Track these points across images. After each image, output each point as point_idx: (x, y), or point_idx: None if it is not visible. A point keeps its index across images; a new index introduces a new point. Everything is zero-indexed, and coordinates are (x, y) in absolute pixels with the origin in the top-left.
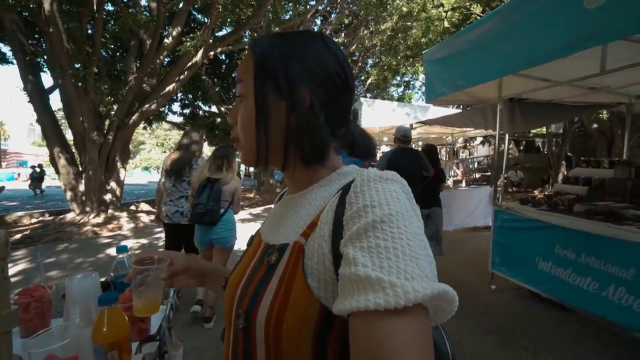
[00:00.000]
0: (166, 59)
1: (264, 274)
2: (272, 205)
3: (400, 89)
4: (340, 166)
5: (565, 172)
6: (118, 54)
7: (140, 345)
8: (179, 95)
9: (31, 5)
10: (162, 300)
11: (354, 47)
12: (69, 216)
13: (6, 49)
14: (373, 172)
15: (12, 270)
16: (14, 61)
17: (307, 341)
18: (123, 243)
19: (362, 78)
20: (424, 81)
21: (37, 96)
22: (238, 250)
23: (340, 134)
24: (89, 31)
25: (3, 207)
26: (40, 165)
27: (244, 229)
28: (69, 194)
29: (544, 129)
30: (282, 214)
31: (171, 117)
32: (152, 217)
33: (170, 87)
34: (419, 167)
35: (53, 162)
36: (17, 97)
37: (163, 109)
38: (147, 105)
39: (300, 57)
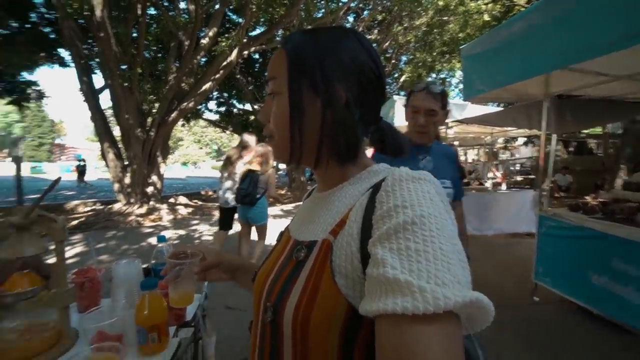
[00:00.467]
0: (203, 59)
1: (292, 270)
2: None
3: None
4: (371, 164)
5: (627, 177)
6: (159, 55)
7: (177, 330)
8: (215, 93)
9: (85, 13)
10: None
11: (387, 43)
12: (117, 206)
13: (65, 54)
14: (405, 171)
15: (69, 252)
16: (71, 64)
17: (333, 338)
18: (163, 233)
19: (396, 75)
20: (461, 78)
21: (90, 96)
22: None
23: (371, 131)
24: (134, 34)
25: (62, 196)
26: (83, 160)
27: (275, 225)
28: (116, 186)
29: (599, 129)
30: (312, 211)
31: (207, 115)
32: (190, 210)
33: (206, 86)
34: None
35: (103, 156)
36: (74, 97)
37: (200, 107)
38: (185, 104)
39: (334, 53)
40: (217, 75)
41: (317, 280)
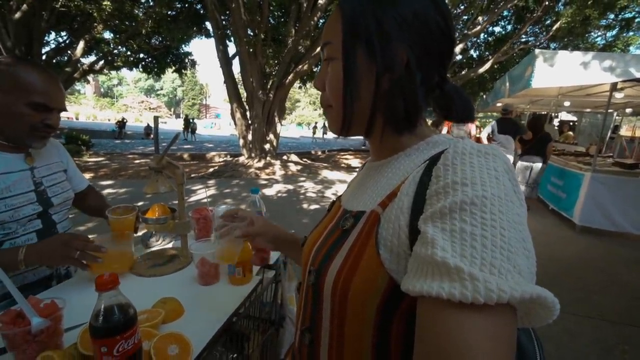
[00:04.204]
0: (320, 21)
1: (338, 238)
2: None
3: (612, 33)
4: (431, 134)
5: None
6: (282, 20)
7: (263, 270)
8: None
9: None
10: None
11: None
12: (241, 159)
13: (209, 26)
14: (470, 144)
15: (204, 194)
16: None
17: (372, 309)
18: (274, 187)
19: (547, 22)
20: None
21: (224, 62)
22: None
23: (436, 96)
24: (261, 2)
25: (205, 148)
26: (192, 118)
27: None
28: (241, 142)
29: None
30: (364, 181)
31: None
32: (299, 167)
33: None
34: (515, 132)
35: (232, 115)
36: (215, 63)
37: (315, 69)
38: (300, 66)
39: (394, 7)
40: None
41: (360, 251)
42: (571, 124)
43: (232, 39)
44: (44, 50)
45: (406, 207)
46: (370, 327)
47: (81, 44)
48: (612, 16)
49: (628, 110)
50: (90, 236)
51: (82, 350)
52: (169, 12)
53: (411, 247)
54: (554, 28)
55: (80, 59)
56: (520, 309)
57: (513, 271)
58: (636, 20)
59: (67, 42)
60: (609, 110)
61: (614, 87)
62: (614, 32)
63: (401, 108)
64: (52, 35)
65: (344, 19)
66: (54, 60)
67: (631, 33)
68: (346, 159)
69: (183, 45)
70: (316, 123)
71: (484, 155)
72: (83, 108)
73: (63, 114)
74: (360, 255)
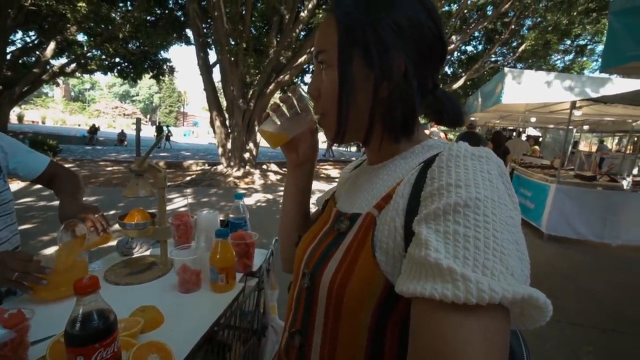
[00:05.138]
0: (302, 33)
1: (333, 240)
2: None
3: (569, 57)
4: (426, 138)
5: None
6: (264, 30)
7: (245, 277)
8: (311, 67)
9: None
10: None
11: (507, 4)
12: (220, 168)
13: (190, 33)
14: (464, 147)
15: (181, 202)
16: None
17: (367, 312)
18: (254, 196)
19: (514, 44)
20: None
21: (205, 69)
22: None
23: (428, 101)
24: (243, 12)
25: (182, 156)
26: (168, 125)
27: None
28: (220, 150)
29: None
30: (358, 183)
31: (303, 88)
32: (279, 177)
33: (302, 59)
34: (478, 144)
35: (211, 123)
36: (195, 71)
37: (296, 79)
38: (282, 76)
39: (389, 16)
40: (313, 48)
41: (356, 253)
42: (538, 139)
43: (213, 47)
44: (9, 50)
45: (401, 209)
46: (365, 330)
47: (52, 45)
48: (568, 42)
49: (585, 127)
50: (46, 250)
51: None
52: (148, 18)
53: (406, 249)
54: (520, 50)
55: (50, 60)
56: (513, 310)
57: (505, 272)
58: (588, 47)
59: (36, 42)
60: (570, 127)
61: (573, 105)
62: (571, 56)
63: (399, 116)
64: (19, 34)
65: (340, 25)
66: (20, 61)
67: (585, 58)
68: (325, 169)
69: (162, 51)
70: None
71: (478, 158)
72: (51, 112)
73: (27, 118)
74: (356, 257)
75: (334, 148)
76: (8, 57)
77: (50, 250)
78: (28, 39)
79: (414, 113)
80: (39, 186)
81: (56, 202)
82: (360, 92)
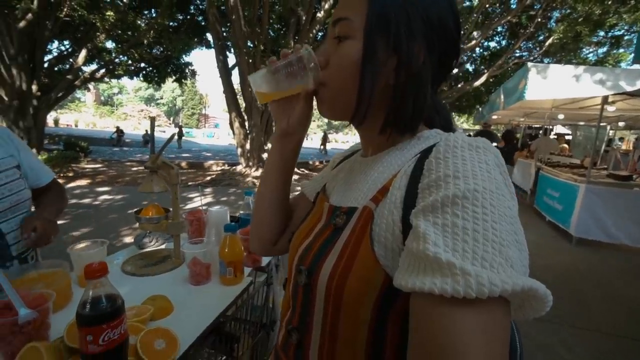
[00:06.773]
0: (319, 34)
1: (330, 236)
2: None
3: (603, 49)
4: (422, 130)
5: None
6: (282, 32)
7: (255, 272)
8: None
9: None
10: None
11: None
12: (239, 168)
13: (210, 37)
14: (461, 138)
15: (199, 201)
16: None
17: (367, 307)
18: None
19: (540, 38)
20: None
21: (224, 72)
22: None
23: (428, 103)
24: (261, 14)
25: (203, 157)
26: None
27: None
28: (239, 150)
29: None
30: (352, 175)
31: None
32: (296, 177)
33: None
34: (490, 140)
35: (231, 125)
36: (215, 74)
37: None
38: None
39: (423, 9)
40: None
41: (355, 248)
42: (567, 137)
43: (232, 50)
44: (46, 58)
45: (399, 202)
46: (365, 326)
47: (83, 53)
48: (602, 33)
49: (620, 123)
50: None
51: (69, 343)
52: (171, 23)
53: (405, 242)
54: (547, 44)
55: (82, 67)
56: (514, 301)
57: (505, 264)
58: (625, 37)
59: (70, 50)
60: (602, 124)
61: (605, 100)
62: (605, 48)
63: (411, 105)
64: (55, 43)
65: (373, 2)
66: (56, 68)
67: (621, 50)
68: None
69: (184, 56)
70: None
71: (475, 148)
72: (83, 116)
73: (61, 121)
74: (355, 252)
75: (328, 148)
76: (45, 65)
77: (81, 245)
78: (62, 48)
79: (423, 107)
80: (71, 184)
81: (87, 200)
82: (382, 75)
